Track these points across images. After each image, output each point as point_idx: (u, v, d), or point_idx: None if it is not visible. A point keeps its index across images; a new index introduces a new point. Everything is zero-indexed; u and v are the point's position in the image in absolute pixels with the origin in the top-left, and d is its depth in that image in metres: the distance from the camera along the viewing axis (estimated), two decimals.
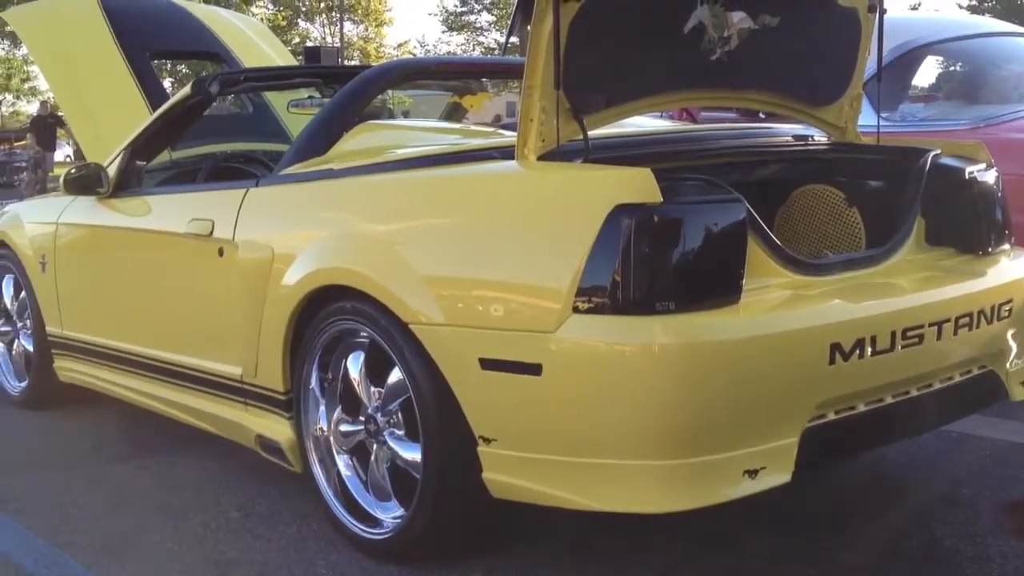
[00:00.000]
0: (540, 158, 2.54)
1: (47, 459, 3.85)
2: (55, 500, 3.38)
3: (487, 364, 2.44)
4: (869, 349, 2.42)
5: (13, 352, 4.76)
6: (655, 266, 2.26)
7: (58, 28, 5.10)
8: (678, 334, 2.21)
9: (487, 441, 2.49)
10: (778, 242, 2.53)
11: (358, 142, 3.23)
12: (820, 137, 3.34)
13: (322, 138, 3.29)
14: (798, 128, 3.35)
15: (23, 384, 4.65)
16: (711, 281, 2.33)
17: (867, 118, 3.38)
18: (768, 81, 3.10)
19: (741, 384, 2.25)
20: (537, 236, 2.43)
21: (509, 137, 2.84)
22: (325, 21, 50.03)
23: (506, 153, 2.67)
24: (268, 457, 3.22)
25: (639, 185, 2.27)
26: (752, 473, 2.25)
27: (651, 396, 2.21)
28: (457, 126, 3.53)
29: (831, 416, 2.42)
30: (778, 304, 2.44)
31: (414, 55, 49.08)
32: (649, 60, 2.79)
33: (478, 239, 2.55)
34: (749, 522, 2.83)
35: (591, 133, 2.63)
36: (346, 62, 32.92)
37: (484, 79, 4.35)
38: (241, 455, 3.47)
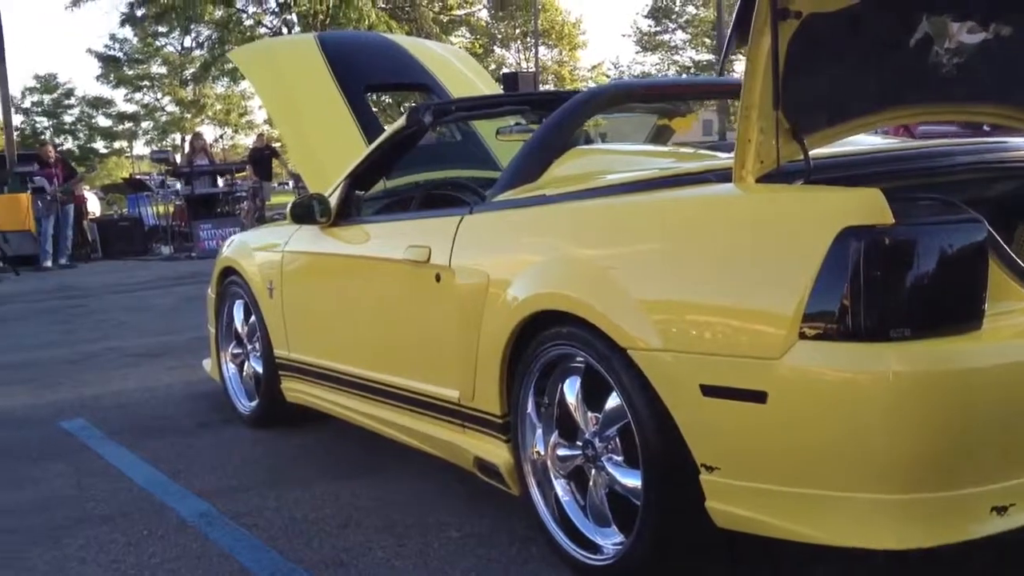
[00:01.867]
0: (759, 180, 2.49)
1: (278, 476, 4.05)
2: (287, 516, 3.55)
3: (708, 391, 2.41)
4: None
5: (244, 373, 5.03)
6: (888, 291, 2.17)
7: (279, 65, 5.40)
8: (915, 362, 2.12)
9: (710, 469, 2.45)
10: (1022, 264, 2.39)
11: (569, 168, 3.25)
12: None
13: (533, 165, 3.34)
14: None
15: (253, 403, 4.91)
16: (950, 306, 2.22)
17: None
18: (999, 92, 2.94)
19: (986, 416, 2.13)
20: (758, 260, 2.38)
21: (724, 159, 2.80)
22: (520, 47, 50.90)
23: (723, 176, 2.62)
24: (485, 479, 3.28)
25: (868, 206, 2.19)
26: (1000, 510, 2.12)
27: (886, 427, 2.13)
28: (668, 149, 3.50)
29: None
30: None
31: (608, 77, 49.29)
32: (871, 76, 2.69)
33: (696, 263, 2.53)
34: None
35: (811, 153, 2.56)
36: (541, 86, 33.30)
37: (691, 100, 4.31)
38: (457, 475, 3.55)
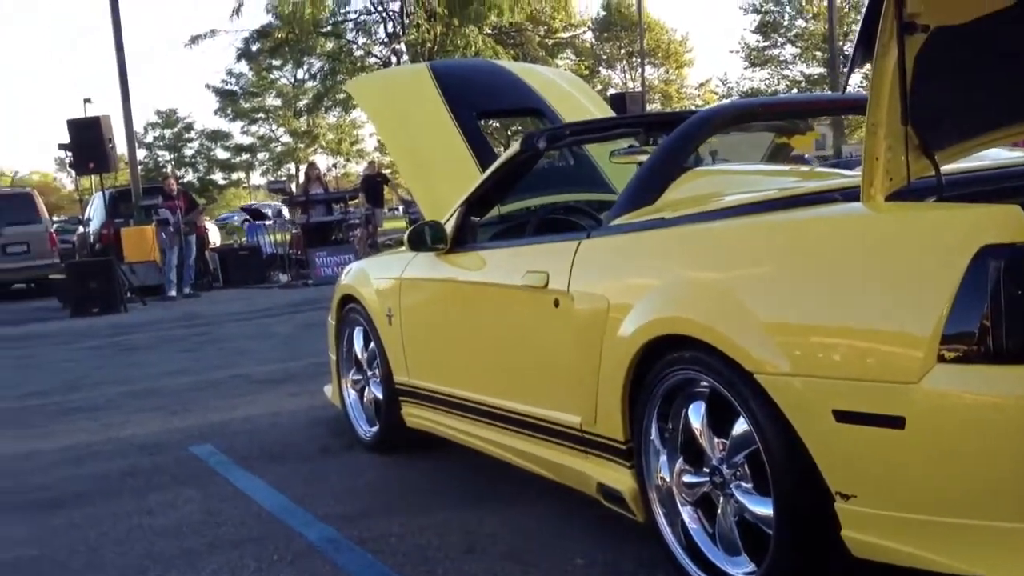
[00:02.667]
0: (888, 198, 2.42)
1: (401, 502, 4.09)
2: (412, 542, 3.58)
3: (842, 416, 2.34)
4: None
5: (364, 399, 5.10)
6: None
7: (393, 95, 5.49)
8: None
9: (845, 497, 2.38)
10: None
11: (687, 189, 3.22)
12: None
13: (650, 187, 3.31)
14: None
15: (374, 429, 4.97)
16: None
17: None
18: None
19: None
20: (891, 280, 2.31)
21: (851, 177, 2.73)
22: (626, 67, 50.88)
23: (850, 194, 2.56)
24: (609, 505, 3.25)
25: (1008, 223, 2.11)
26: None
27: None
28: (790, 168, 3.44)
29: None
30: None
31: (716, 94, 48.82)
32: (1001, 88, 2.60)
33: (825, 285, 2.46)
34: None
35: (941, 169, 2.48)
36: (648, 106, 33.19)
37: (811, 117, 4.23)
38: (580, 501, 3.52)
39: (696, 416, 2.87)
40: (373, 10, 35.00)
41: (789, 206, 2.73)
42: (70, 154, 16.05)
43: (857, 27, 2.50)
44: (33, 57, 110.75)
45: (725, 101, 37.60)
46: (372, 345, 4.91)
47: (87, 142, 15.22)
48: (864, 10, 2.42)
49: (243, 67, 40.40)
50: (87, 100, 20.62)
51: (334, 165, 28.40)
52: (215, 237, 21.91)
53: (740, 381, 2.59)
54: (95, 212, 20.04)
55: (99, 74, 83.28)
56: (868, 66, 2.41)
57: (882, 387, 2.25)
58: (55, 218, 31.48)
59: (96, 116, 16.03)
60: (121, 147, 17.96)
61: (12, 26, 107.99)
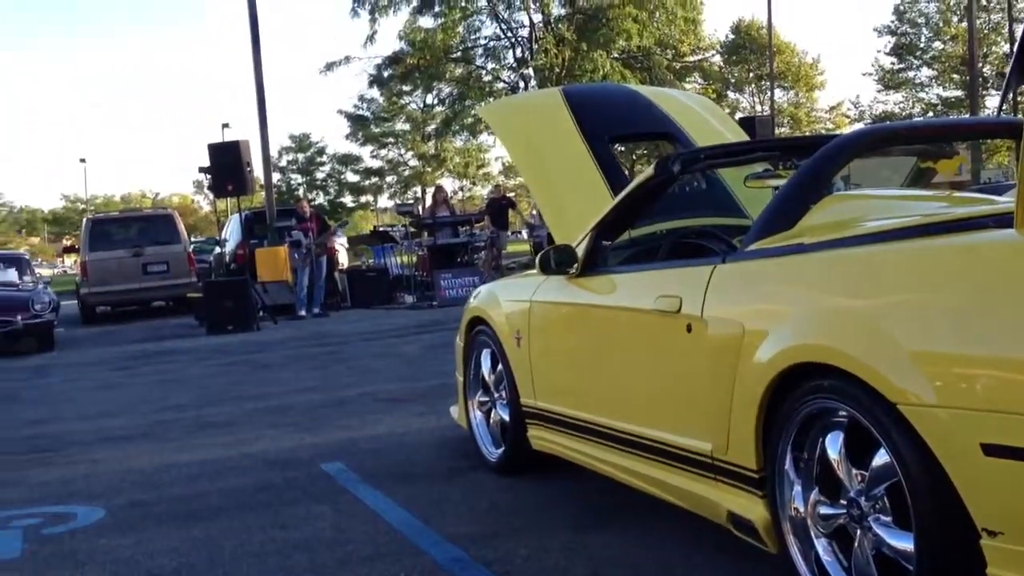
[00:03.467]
0: None
1: (526, 524, 4.09)
2: (537, 564, 3.58)
3: (991, 450, 2.25)
4: None
5: (491, 421, 5.13)
6: None
7: (526, 119, 5.54)
8: None
9: (992, 534, 2.29)
10: None
11: (827, 214, 3.16)
12: None
13: (789, 212, 3.26)
14: None
15: (500, 451, 4.99)
16: None
17: None
18: None
19: None
20: None
21: (1002, 203, 2.64)
22: (754, 90, 50.24)
23: (1002, 221, 2.47)
24: (739, 534, 3.19)
25: None
26: None
27: None
28: (937, 194, 3.34)
29: None
30: None
31: (848, 117, 47.77)
32: None
33: (975, 314, 2.37)
34: None
35: None
36: (777, 130, 32.70)
37: (956, 141, 4.10)
38: (708, 528, 3.47)
39: (833, 446, 2.80)
40: (502, 36, 35.47)
41: (936, 232, 2.65)
42: (209, 177, 16.65)
43: (1006, 48, 2.42)
44: (171, 83, 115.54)
45: (864, 125, 36.75)
46: (499, 367, 4.94)
47: (226, 165, 15.78)
48: (1022, 32, 2.33)
49: (374, 93, 41.34)
50: (225, 125, 21.57)
51: (461, 188, 28.74)
52: (344, 259, 22.38)
53: (882, 411, 2.51)
54: (231, 233, 20.74)
55: (236, 98, 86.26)
56: None
57: None
58: (193, 238, 32.68)
59: (235, 140, 16.64)
60: (257, 170, 18.53)
61: (152, 54, 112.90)
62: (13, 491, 5.39)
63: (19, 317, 13.45)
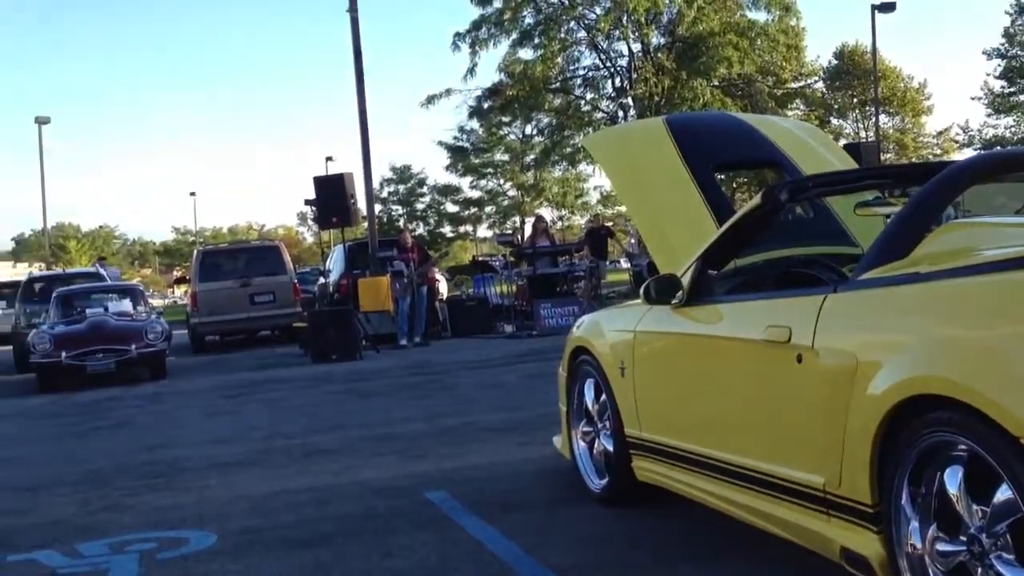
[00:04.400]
0: None
1: (631, 556, 4.07)
2: None
3: None
4: None
5: (594, 451, 5.10)
6: None
7: (629, 149, 5.54)
8: None
9: None
10: None
11: (943, 243, 3.08)
12: None
13: (903, 241, 3.19)
14: None
15: (603, 481, 4.96)
16: None
17: None
18: None
19: None
20: None
21: None
22: (858, 116, 49.35)
23: None
24: (853, 571, 3.11)
25: None
26: None
27: None
28: None
29: None
30: None
31: (957, 143, 46.55)
32: None
33: None
34: None
35: None
36: (883, 156, 32.05)
37: None
38: (819, 563, 3.38)
39: (952, 481, 2.72)
40: (601, 66, 35.53)
41: None
42: (314, 208, 16.98)
43: None
44: (277, 116, 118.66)
45: (974, 150, 35.76)
46: (603, 397, 4.92)
47: (331, 197, 16.10)
48: None
49: (474, 124, 41.77)
50: (329, 158, 21.94)
51: (560, 218, 28.82)
52: (444, 289, 22.60)
53: (1004, 445, 2.44)
54: (335, 263, 21.12)
55: (340, 131, 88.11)
56: None
57: None
58: (297, 269, 33.42)
59: (340, 174, 16.97)
60: (360, 202, 18.85)
61: (259, 87, 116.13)
62: (129, 516, 5.55)
63: (133, 346, 13.88)
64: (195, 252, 21.51)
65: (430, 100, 35.85)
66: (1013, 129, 43.84)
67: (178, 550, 4.72)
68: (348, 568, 4.22)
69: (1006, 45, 43.25)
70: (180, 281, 31.71)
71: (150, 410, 10.79)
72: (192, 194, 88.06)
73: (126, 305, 15.82)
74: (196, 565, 4.46)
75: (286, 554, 4.51)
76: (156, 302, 34.88)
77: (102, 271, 22.60)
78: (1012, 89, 43.84)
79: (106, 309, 15.34)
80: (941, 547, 2.77)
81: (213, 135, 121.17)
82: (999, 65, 43.64)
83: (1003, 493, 2.52)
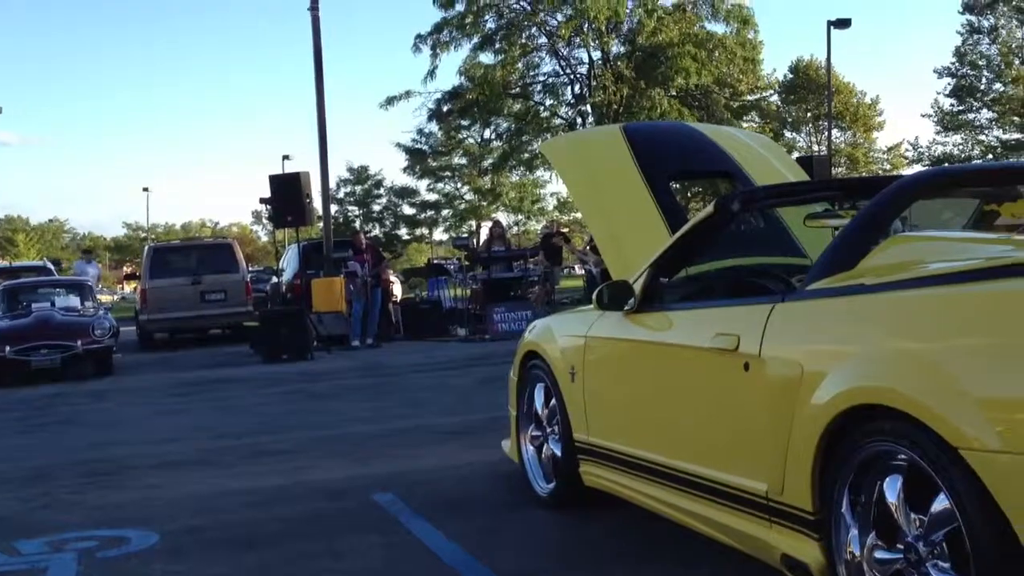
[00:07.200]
0: None
1: (576, 560, 4.09)
2: None
3: None
4: None
5: (543, 456, 5.12)
6: None
7: (586, 156, 5.56)
8: None
9: None
10: None
11: (890, 256, 3.13)
12: None
13: (850, 252, 3.24)
14: None
15: (550, 486, 4.97)
16: None
17: None
18: None
19: None
20: None
21: None
22: (811, 130, 49.93)
23: None
24: None
25: None
26: None
27: None
28: (1000, 236, 3.30)
29: None
30: None
31: (906, 159, 47.25)
32: None
33: None
34: None
35: None
36: (834, 169, 32.43)
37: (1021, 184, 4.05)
38: (759, 568, 3.42)
39: (892, 490, 2.76)
40: (561, 72, 35.64)
41: (1001, 276, 2.62)
42: (269, 207, 16.86)
43: None
44: (234, 114, 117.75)
45: (922, 167, 36.34)
46: (553, 402, 4.93)
47: (286, 196, 15.99)
48: None
49: (433, 127, 41.63)
50: (286, 157, 21.74)
51: (516, 223, 28.85)
52: (398, 290, 22.52)
53: (943, 456, 2.48)
54: (288, 263, 20.97)
55: (297, 130, 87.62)
56: None
57: None
58: (250, 268, 33.15)
59: (296, 172, 16.86)
60: (315, 202, 18.70)
61: (216, 86, 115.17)
62: (70, 514, 5.47)
63: (79, 342, 13.70)
64: (146, 248, 21.25)
65: (389, 101, 35.75)
66: (961, 147, 44.56)
67: (119, 549, 4.66)
68: (292, 570, 4.19)
69: (956, 64, 43.98)
70: (130, 277, 31.33)
71: (96, 407, 10.65)
72: (145, 190, 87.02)
73: (73, 300, 15.61)
74: (137, 565, 4.41)
75: (230, 555, 4.47)
76: (105, 298, 34.38)
77: (88, 269, 22.07)
78: (961, 107, 44.57)
79: (53, 304, 15.12)
80: (879, 555, 2.81)
81: (169, 131, 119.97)
82: (949, 84, 44.37)
83: (940, 503, 2.56)
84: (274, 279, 22.42)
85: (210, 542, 4.70)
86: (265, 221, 62.12)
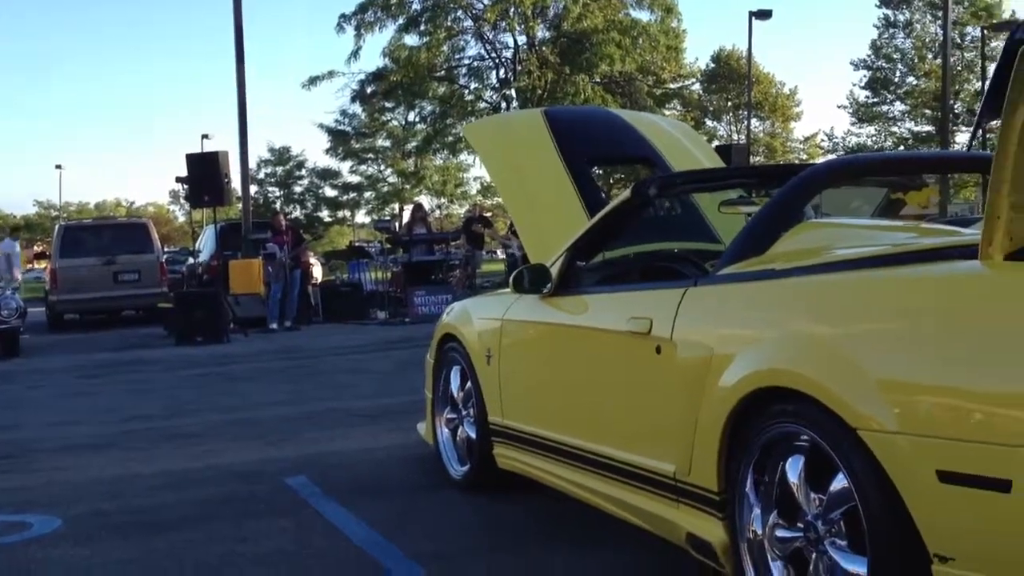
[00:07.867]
0: (1007, 257, 2.36)
1: (490, 542, 4.09)
2: None
3: (946, 477, 2.27)
4: None
5: (457, 438, 5.12)
6: None
7: (507, 138, 5.55)
8: None
9: (944, 560, 2.31)
10: None
11: (799, 241, 3.19)
12: None
13: (761, 238, 3.29)
14: None
15: (465, 468, 4.98)
16: None
17: None
18: None
19: None
20: (1005, 341, 2.25)
21: (968, 236, 2.68)
22: (732, 119, 50.65)
23: (966, 252, 2.51)
24: (698, 556, 3.20)
25: None
26: None
27: None
28: (907, 223, 3.39)
29: None
30: None
31: (822, 149, 48.20)
32: None
33: (937, 343, 2.40)
34: None
35: None
36: (752, 158, 32.95)
37: (927, 174, 4.16)
38: (670, 548, 3.47)
39: (794, 470, 2.81)
40: (486, 56, 35.60)
41: (904, 262, 2.69)
42: (186, 187, 16.54)
43: (978, 86, 2.47)
44: (152, 91, 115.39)
45: (841, 156, 37.05)
46: (468, 384, 4.93)
47: (204, 176, 15.67)
48: (994, 67, 2.38)
49: (356, 108, 41.25)
50: (205, 136, 21.41)
51: (439, 206, 28.76)
52: (318, 273, 22.30)
53: (842, 436, 2.53)
54: (205, 244, 20.63)
55: (217, 109, 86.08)
56: (996, 123, 2.37)
57: (989, 449, 2.18)
58: (166, 248, 32.50)
59: (215, 152, 16.57)
60: (234, 182, 18.44)
61: (133, 62, 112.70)
62: None
63: None
64: (57, 227, 20.72)
65: (312, 81, 35.38)
66: (875, 138, 45.61)
67: (20, 534, 4.53)
68: (201, 553, 4.13)
69: (872, 57, 44.95)
70: (40, 257, 30.46)
71: (1, 389, 10.36)
72: (58, 167, 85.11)
73: None
74: (38, 550, 4.30)
75: (137, 539, 4.39)
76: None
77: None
78: (876, 99, 45.58)
79: None
80: (780, 533, 2.86)
81: (84, 107, 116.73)
82: (865, 76, 45.34)
83: (839, 482, 2.61)
84: (190, 260, 22.05)
85: (116, 526, 4.60)
86: (183, 201, 60.85)
